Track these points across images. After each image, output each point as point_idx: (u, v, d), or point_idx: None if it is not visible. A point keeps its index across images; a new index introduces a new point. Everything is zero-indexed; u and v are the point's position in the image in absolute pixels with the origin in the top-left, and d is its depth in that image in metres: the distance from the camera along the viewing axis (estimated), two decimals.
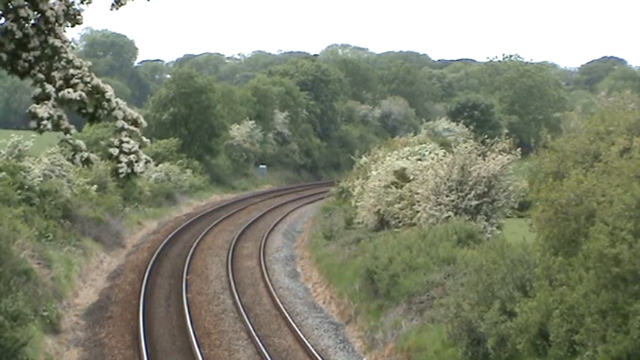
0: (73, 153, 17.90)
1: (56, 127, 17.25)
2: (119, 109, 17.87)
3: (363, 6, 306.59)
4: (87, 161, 18.00)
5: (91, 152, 18.18)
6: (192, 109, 75.13)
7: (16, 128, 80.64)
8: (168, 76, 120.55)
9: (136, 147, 18.00)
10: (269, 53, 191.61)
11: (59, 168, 42.73)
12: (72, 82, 17.39)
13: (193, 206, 64.43)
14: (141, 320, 28.67)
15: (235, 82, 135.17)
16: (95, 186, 47.01)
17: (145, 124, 18.37)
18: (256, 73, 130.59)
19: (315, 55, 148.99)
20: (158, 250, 43.04)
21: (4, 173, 37.18)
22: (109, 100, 17.75)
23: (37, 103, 17.11)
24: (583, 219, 18.93)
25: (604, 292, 16.20)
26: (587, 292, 16.51)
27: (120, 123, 17.86)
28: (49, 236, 35.73)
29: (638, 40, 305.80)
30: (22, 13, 16.61)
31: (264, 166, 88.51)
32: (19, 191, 36.66)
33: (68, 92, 17.15)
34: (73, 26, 17.64)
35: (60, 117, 17.23)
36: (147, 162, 18.36)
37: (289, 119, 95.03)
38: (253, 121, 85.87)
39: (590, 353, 16.04)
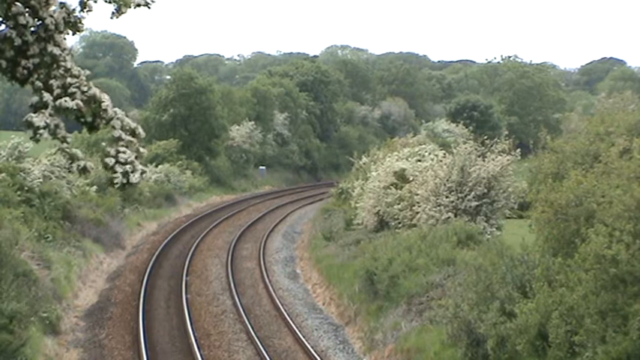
0: (70, 162, 17.92)
1: (53, 135, 17.27)
2: (117, 118, 17.90)
3: (363, 7, 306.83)
4: (84, 170, 18.02)
5: (91, 154, 18.23)
6: (192, 110, 75.18)
7: (16, 129, 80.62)
8: (168, 77, 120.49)
9: (132, 157, 18.01)
10: (268, 54, 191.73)
11: (59, 169, 42.73)
12: (69, 90, 17.42)
13: (193, 207, 64.44)
14: (141, 321, 28.66)
15: (235, 83, 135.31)
16: (95, 187, 47.02)
17: (143, 134, 18.38)
18: (256, 74, 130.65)
19: (314, 56, 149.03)
20: (158, 252, 43.04)
21: (3, 174, 37.20)
22: (105, 110, 17.77)
23: (35, 112, 17.12)
24: (583, 220, 18.93)
25: (603, 293, 16.20)
26: (587, 293, 16.50)
27: (117, 132, 17.86)
28: (48, 237, 35.71)
29: (637, 40, 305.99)
30: (22, 20, 16.63)
31: (263, 168, 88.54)
32: (18, 192, 36.65)
33: (65, 101, 17.17)
34: (74, 34, 17.70)
35: (57, 126, 17.24)
36: (143, 173, 18.36)
37: (289, 120, 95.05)
38: (253, 122, 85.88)
39: (589, 354, 16.03)
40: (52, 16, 16.96)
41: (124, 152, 17.90)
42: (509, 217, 36.19)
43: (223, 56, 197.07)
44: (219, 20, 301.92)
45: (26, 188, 37.69)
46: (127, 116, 18.31)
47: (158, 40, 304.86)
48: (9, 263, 26.22)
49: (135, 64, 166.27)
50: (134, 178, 18.00)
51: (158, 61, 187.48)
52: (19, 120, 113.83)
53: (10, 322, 22.18)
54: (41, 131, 16.87)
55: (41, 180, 39.61)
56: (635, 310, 15.61)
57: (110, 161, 17.84)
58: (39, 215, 37.09)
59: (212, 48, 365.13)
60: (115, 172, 17.81)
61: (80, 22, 17.47)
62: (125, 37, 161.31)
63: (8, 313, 22.44)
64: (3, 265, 25.60)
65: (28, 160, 41.87)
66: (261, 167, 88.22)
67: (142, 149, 18.37)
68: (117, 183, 17.90)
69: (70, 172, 18.59)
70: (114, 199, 48.94)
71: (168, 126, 74.64)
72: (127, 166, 17.89)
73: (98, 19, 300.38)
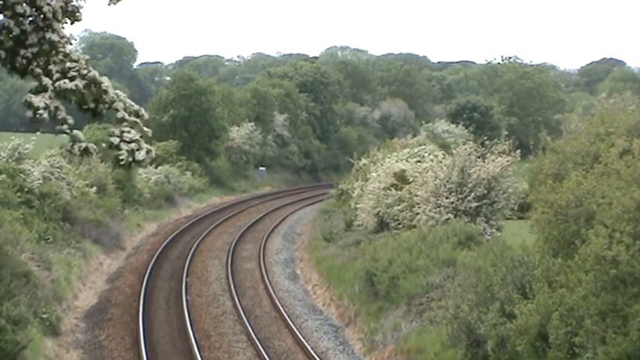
0: (71, 143, 17.90)
1: (53, 117, 17.27)
2: (120, 100, 17.91)
3: (363, 8, 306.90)
4: (85, 151, 18.01)
5: (90, 144, 18.17)
6: (192, 111, 75.17)
7: (16, 130, 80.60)
8: (168, 78, 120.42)
9: (137, 136, 18.03)
10: (268, 55, 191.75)
11: (58, 170, 42.72)
12: (69, 74, 17.41)
13: (193, 208, 64.44)
14: (141, 322, 28.67)
15: (235, 84, 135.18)
16: (94, 188, 46.99)
17: (146, 115, 18.41)
18: (256, 75, 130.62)
19: (314, 57, 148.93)
20: (158, 253, 43.05)
21: (3, 176, 37.16)
22: (106, 92, 17.76)
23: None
24: (583, 221, 18.92)
25: (603, 294, 16.20)
26: (587, 294, 16.50)
27: (120, 114, 17.89)
28: (48, 238, 35.71)
29: (637, 41, 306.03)
30: (19, 9, 16.62)
31: (263, 169, 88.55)
32: (18, 194, 36.63)
33: (64, 82, 17.16)
34: (72, 23, 17.66)
35: (57, 108, 17.24)
36: (148, 151, 18.34)
37: (289, 121, 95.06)
38: (252, 123, 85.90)
39: (589, 355, 16.03)
40: (49, 4, 16.94)
41: (128, 132, 17.90)
42: (509, 218, 36.17)
43: (223, 57, 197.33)
44: (219, 21, 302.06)
45: (26, 189, 37.67)
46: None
47: (158, 41, 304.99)
48: (9, 264, 26.21)
49: (135, 65, 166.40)
50: (140, 155, 17.99)
51: (158, 62, 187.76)
52: (19, 121, 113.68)
53: (16, 324, 22.20)
54: (41, 111, 16.86)
55: (41, 181, 39.57)
56: (635, 311, 15.61)
57: (115, 140, 17.85)
58: (39, 216, 37.09)
59: (212, 49, 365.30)
60: (121, 149, 17.80)
61: (78, 12, 17.45)
62: (125, 38, 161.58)
63: (13, 315, 22.45)
64: (3, 267, 25.60)
65: (27, 162, 41.80)
66: (261, 168, 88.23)
67: (146, 129, 18.37)
68: (122, 160, 17.89)
69: (71, 152, 18.47)
70: (114, 200, 48.93)
71: (169, 127, 74.62)
72: (133, 145, 17.89)
73: (98, 21, 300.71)
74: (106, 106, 17.89)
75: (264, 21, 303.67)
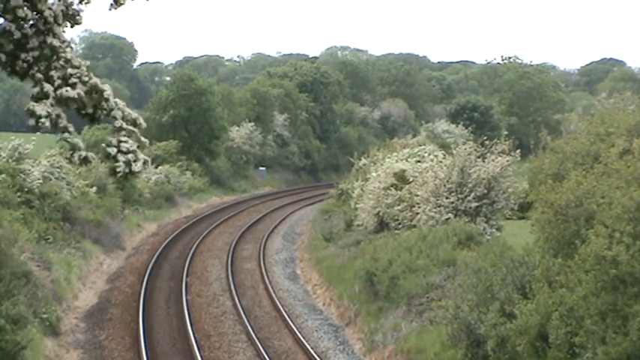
0: (71, 152, 17.91)
1: (55, 125, 17.28)
2: (118, 109, 17.90)
3: (363, 8, 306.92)
4: (85, 160, 17.99)
5: (90, 153, 18.16)
6: (192, 111, 75.19)
7: (16, 131, 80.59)
8: (168, 78, 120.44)
9: (135, 147, 18.00)
10: (268, 55, 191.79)
11: (58, 170, 42.73)
12: (70, 81, 17.41)
13: (193, 208, 64.44)
14: (141, 322, 28.67)
15: (235, 84, 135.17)
16: (94, 188, 47.00)
17: (144, 124, 18.38)
18: (256, 75, 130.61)
19: (314, 57, 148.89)
20: (158, 253, 43.05)
21: (3, 175, 37.17)
22: (107, 100, 17.76)
23: (36, 102, 17.15)
24: (583, 221, 18.92)
25: (603, 294, 16.20)
26: (587, 294, 16.50)
27: (119, 123, 17.87)
28: (48, 238, 35.72)
29: (637, 41, 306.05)
30: (20, 13, 16.63)
31: (263, 169, 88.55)
32: (18, 194, 36.64)
33: (66, 90, 17.17)
34: (72, 27, 17.65)
35: (58, 115, 17.24)
36: (145, 162, 18.32)
37: (289, 121, 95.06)
38: (252, 123, 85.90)
39: (589, 355, 16.03)
40: (50, 8, 16.94)
41: (125, 142, 17.88)
42: (509, 218, 36.18)
43: (223, 57, 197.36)
44: (219, 21, 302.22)
45: (26, 189, 37.68)
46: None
47: (158, 41, 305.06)
48: (9, 264, 26.21)
49: (135, 65, 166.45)
50: (136, 167, 17.96)
51: (158, 62, 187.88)
52: (19, 121, 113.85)
53: (16, 324, 22.20)
54: (43, 120, 16.86)
55: (41, 181, 39.58)
56: (635, 311, 15.61)
57: (112, 150, 17.81)
58: (39, 216, 37.09)
59: (212, 49, 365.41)
60: (118, 161, 17.78)
61: (79, 15, 17.45)
62: (125, 39, 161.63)
63: (13, 315, 22.45)
64: (3, 267, 25.59)
65: (28, 162, 41.80)
66: (261, 168, 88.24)
67: (143, 139, 18.35)
68: (119, 172, 17.87)
69: (71, 161, 18.45)
70: (114, 200, 48.92)
71: (169, 127, 74.65)
72: (129, 155, 17.88)
73: (98, 21, 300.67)
74: (104, 112, 17.87)
75: (264, 21, 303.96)
